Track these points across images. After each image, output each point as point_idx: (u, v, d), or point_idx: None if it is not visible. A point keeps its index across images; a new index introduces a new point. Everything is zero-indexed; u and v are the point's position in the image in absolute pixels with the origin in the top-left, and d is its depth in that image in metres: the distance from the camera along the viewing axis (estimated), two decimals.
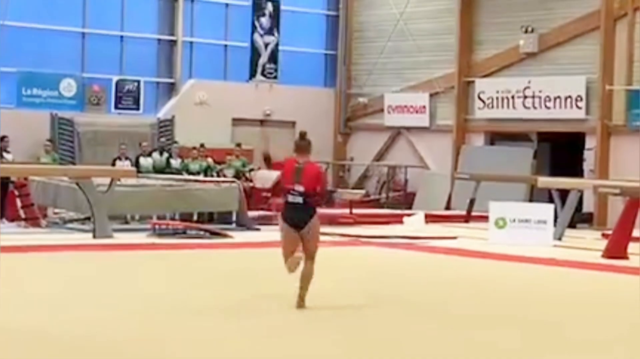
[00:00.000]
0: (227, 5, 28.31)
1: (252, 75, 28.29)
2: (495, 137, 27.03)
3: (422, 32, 27.87)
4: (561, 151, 25.26)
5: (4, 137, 21.91)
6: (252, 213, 21.17)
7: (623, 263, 16.24)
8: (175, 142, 24.58)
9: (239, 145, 24.75)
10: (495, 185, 23.40)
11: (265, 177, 24.81)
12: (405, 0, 28.14)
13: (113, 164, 22.56)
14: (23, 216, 19.71)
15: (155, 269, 14.12)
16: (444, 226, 22.21)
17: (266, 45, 28.37)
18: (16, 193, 19.83)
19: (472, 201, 23.35)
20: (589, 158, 24.47)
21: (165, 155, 23.38)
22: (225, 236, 18.53)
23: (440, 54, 27.36)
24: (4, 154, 21.43)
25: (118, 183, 18.72)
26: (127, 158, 22.95)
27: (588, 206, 24.07)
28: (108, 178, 18.57)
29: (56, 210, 20.70)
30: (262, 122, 28.06)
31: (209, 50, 28.05)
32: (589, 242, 19.50)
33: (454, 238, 19.53)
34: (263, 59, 28.35)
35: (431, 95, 27.69)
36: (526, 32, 25.54)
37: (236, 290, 11.97)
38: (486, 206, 19.91)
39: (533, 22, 25.51)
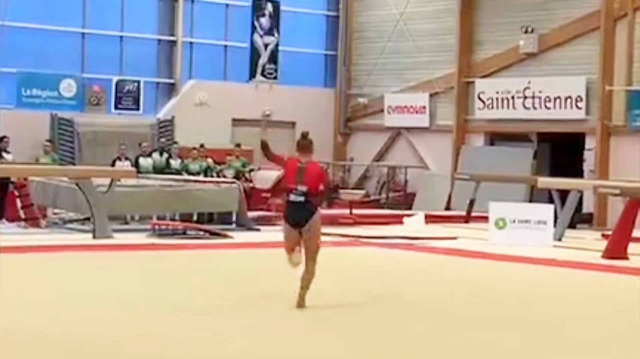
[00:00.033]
0: (227, 5, 28.31)
1: (252, 75, 28.30)
2: (495, 138, 27.02)
3: (422, 33, 27.87)
4: (561, 151, 25.25)
5: (3, 137, 21.91)
6: (251, 214, 21.17)
7: (623, 263, 16.23)
8: (175, 143, 24.58)
9: (238, 145, 24.74)
10: (495, 185, 23.39)
11: (265, 178, 24.81)
12: (405, 0, 28.14)
13: (113, 164, 22.56)
14: (23, 216, 19.71)
15: (155, 269, 14.11)
16: (444, 226, 22.20)
17: (266, 45, 28.38)
18: (16, 193, 19.83)
19: (472, 202, 23.36)
20: (589, 159, 24.47)
21: (165, 155, 23.37)
22: (225, 236, 18.53)
23: (440, 54, 27.36)
24: (4, 154, 21.43)
25: (118, 183, 18.71)
26: (127, 158, 22.95)
27: (588, 206, 24.06)
28: (108, 178, 18.57)
29: (56, 211, 20.69)
30: (267, 122, 28.02)
31: (209, 50, 28.06)
32: (589, 242, 19.49)
33: (454, 238, 19.53)
34: (263, 59, 28.36)
35: (431, 96, 27.70)
36: (526, 32, 25.53)
37: (236, 290, 11.96)
38: (486, 207, 19.90)
39: (533, 23, 25.51)
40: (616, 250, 16.84)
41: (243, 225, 20.38)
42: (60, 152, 24.49)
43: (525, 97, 25.55)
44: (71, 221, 20.13)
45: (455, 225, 22.65)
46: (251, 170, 24.67)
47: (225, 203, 20.38)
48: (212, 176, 22.92)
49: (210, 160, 23.54)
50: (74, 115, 25.40)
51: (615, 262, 16.24)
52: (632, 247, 16.93)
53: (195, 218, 20.44)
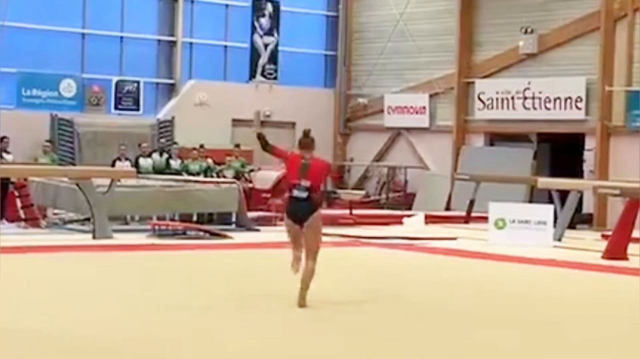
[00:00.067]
0: (227, 6, 28.31)
1: (252, 75, 28.30)
2: (495, 138, 27.03)
3: (422, 33, 27.87)
4: (561, 152, 25.25)
5: (3, 138, 21.92)
6: (251, 214, 21.17)
7: (623, 264, 16.23)
8: (175, 143, 24.57)
9: (237, 145, 24.73)
10: (495, 185, 23.40)
11: (265, 178, 24.82)
12: (405, 1, 28.14)
13: (113, 165, 22.56)
14: (23, 216, 19.71)
15: (155, 270, 14.11)
16: (443, 227, 22.21)
17: (266, 45, 28.38)
18: (16, 193, 19.83)
19: (472, 202, 23.37)
20: (589, 159, 24.47)
21: (165, 155, 23.37)
22: (224, 237, 18.52)
23: (440, 55, 27.36)
24: (4, 155, 21.44)
25: (118, 183, 18.71)
26: (127, 158, 22.96)
27: (588, 207, 24.07)
28: (108, 178, 18.57)
29: (56, 211, 20.70)
30: (262, 123, 28.04)
31: (208, 50, 28.06)
32: (588, 243, 19.49)
33: (454, 238, 19.53)
34: (263, 59, 28.36)
35: (431, 96, 27.70)
36: (526, 33, 25.53)
37: (236, 290, 11.96)
38: (486, 207, 19.91)
39: (533, 23, 25.51)
40: (616, 250, 16.84)
41: (243, 225, 20.38)
42: (60, 152, 24.49)
43: (525, 98, 25.56)
44: (71, 221, 20.13)
45: (455, 225, 22.66)
46: (251, 171, 24.68)
47: (225, 204, 20.38)
48: (212, 176, 22.92)
49: (210, 161, 23.54)
50: (74, 115, 25.40)
51: (615, 263, 16.24)
52: (632, 248, 16.93)
53: (195, 218, 20.44)
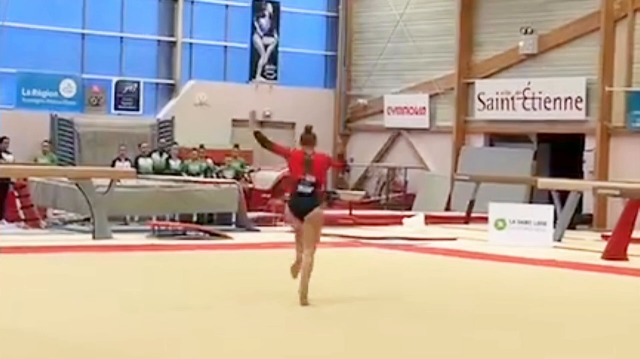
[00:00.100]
0: (227, 6, 28.31)
1: (252, 76, 28.30)
2: (495, 138, 27.02)
3: (421, 34, 27.87)
4: (561, 152, 25.25)
5: (3, 138, 21.93)
6: (251, 214, 21.17)
7: (623, 264, 16.24)
8: (175, 143, 24.56)
9: (237, 146, 24.72)
10: (495, 186, 23.41)
11: (265, 178, 24.81)
12: (405, 1, 28.14)
13: (113, 165, 22.56)
14: (23, 217, 19.71)
15: (154, 270, 14.11)
16: (443, 227, 22.21)
17: (266, 46, 28.38)
18: (16, 194, 19.83)
19: (471, 203, 23.38)
20: (589, 160, 24.47)
21: (165, 156, 23.36)
22: (224, 237, 18.53)
23: (440, 55, 27.36)
24: (4, 155, 21.46)
25: (118, 184, 18.71)
26: (126, 159, 22.95)
27: (588, 207, 24.07)
28: (108, 179, 18.57)
29: (56, 211, 20.70)
30: (261, 123, 28.05)
31: (208, 51, 28.06)
32: (588, 243, 19.50)
33: (454, 239, 19.53)
34: (263, 60, 28.36)
35: (431, 97, 27.69)
36: (526, 33, 25.53)
37: (236, 290, 11.96)
38: (486, 208, 19.92)
39: (533, 24, 25.51)
40: (616, 250, 16.84)
41: (243, 225, 20.39)
42: (60, 153, 24.51)
43: (525, 98, 25.56)
44: (71, 221, 20.14)
45: (455, 225, 22.67)
46: (251, 171, 24.67)
47: (224, 204, 20.38)
48: (212, 177, 22.91)
49: (210, 161, 23.53)
50: (74, 115, 25.41)
51: (615, 263, 16.24)
52: (631, 248, 16.93)
53: (195, 218, 20.44)
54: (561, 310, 11.54)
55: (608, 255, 16.83)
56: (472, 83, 26.81)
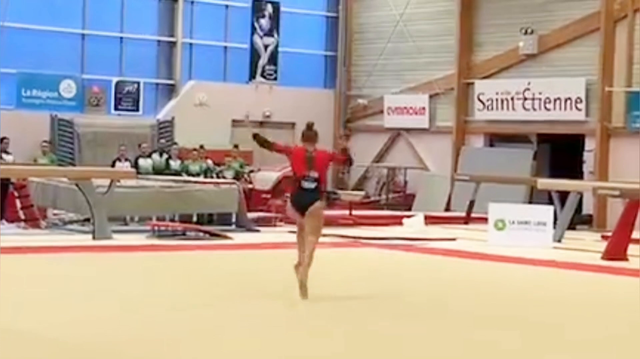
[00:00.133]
0: (227, 6, 28.31)
1: (252, 76, 28.30)
2: (495, 139, 27.03)
3: (421, 34, 27.87)
4: (561, 153, 25.25)
5: (3, 138, 21.93)
6: (251, 215, 21.17)
7: (622, 264, 16.24)
8: (175, 143, 24.57)
9: (236, 146, 24.72)
10: (495, 186, 23.41)
11: (265, 179, 24.82)
12: (405, 1, 28.15)
13: (113, 165, 22.56)
14: (23, 217, 19.71)
15: (154, 270, 14.12)
16: (443, 227, 22.21)
17: (266, 46, 28.38)
18: (16, 194, 19.82)
19: (471, 203, 23.39)
20: (589, 160, 24.47)
21: (165, 156, 23.36)
22: (224, 237, 18.52)
23: (439, 56, 27.36)
24: (4, 155, 21.46)
25: (117, 184, 18.72)
26: (126, 159, 22.96)
27: (588, 208, 24.06)
28: (108, 179, 18.58)
29: (56, 211, 20.70)
30: (262, 124, 28.06)
31: (208, 51, 28.06)
32: (588, 244, 19.50)
33: (454, 239, 19.53)
34: (263, 60, 28.36)
35: (431, 97, 27.70)
36: (526, 33, 25.53)
37: (236, 291, 11.96)
38: (486, 208, 19.92)
39: (533, 24, 25.51)
40: (616, 251, 16.84)
41: (243, 226, 20.39)
42: (60, 153, 24.51)
43: (525, 98, 25.56)
44: (71, 222, 20.13)
45: (455, 226, 22.68)
46: (251, 171, 24.67)
47: (224, 204, 20.38)
48: (212, 177, 22.92)
49: (210, 161, 23.53)
50: (74, 116, 25.41)
51: (615, 263, 16.24)
52: (631, 248, 16.93)
53: (195, 219, 20.44)
54: (561, 310, 11.54)
55: (608, 255, 16.83)
56: (472, 83, 26.81)
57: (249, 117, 27.74)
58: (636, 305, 11.61)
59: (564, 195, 20.28)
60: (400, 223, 21.63)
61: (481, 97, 26.46)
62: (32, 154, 23.07)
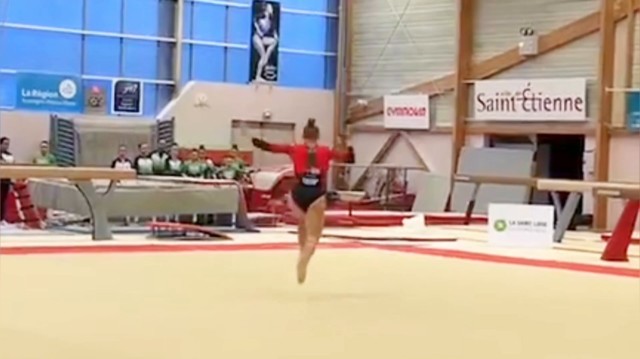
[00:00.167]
0: (227, 7, 28.32)
1: (252, 77, 28.31)
2: (495, 139, 27.03)
3: (421, 34, 27.87)
4: (561, 153, 25.25)
5: (3, 139, 21.95)
6: (251, 215, 21.17)
7: (622, 265, 16.23)
8: (175, 144, 24.58)
9: (235, 146, 24.73)
10: (495, 187, 23.41)
11: (265, 179, 24.82)
12: (405, 2, 28.15)
13: (113, 166, 22.58)
14: (23, 217, 19.71)
15: (154, 271, 14.11)
16: (443, 228, 22.21)
17: (266, 47, 28.39)
18: (16, 194, 19.83)
19: (471, 203, 23.39)
20: (589, 161, 24.48)
21: (165, 156, 23.38)
22: (224, 238, 18.52)
23: (440, 56, 27.37)
24: (4, 156, 21.48)
25: (117, 184, 18.72)
26: (126, 159, 22.97)
27: (588, 208, 24.07)
28: (107, 179, 18.58)
29: (56, 212, 20.70)
30: (261, 124, 28.07)
31: (208, 51, 28.07)
32: (588, 244, 19.49)
33: (454, 240, 19.53)
34: (263, 60, 28.37)
35: (431, 97, 27.70)
36: (526, 34, 25.54)
37: (236, 291, 11.96)
38: (486, 209, 19.91)
39: (533, 24, 25.52)
40: (616, 251, 16.84)
41: (243, 226, 20.39)
42: (60, 153, 24.52)
43: (525, 99, 25.56)
44: (71, 222, 20.13)
45: (455, 226, 22.68)
46: (251, 172, 24.67)
47: (224, 205, 20.39)
48: (211, 177, 22.92)
49: (210, 162, 23.54)
50: (74, 116, 25.42)
51: (615, 264, 16.24)
52: (631, 249, 16.93)
53: (194, 219, 20.44)
54: (561, 311, 11.54)
55: (608, 255, 16.83)
56: (472, 84, 26.81)
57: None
58: (636, 305, 11.61)
59: (564, 196, 20.28)
60: (400, 224, 21.63)
61: (481, 98, 26.46)
62: (32, 154, 23.10)
